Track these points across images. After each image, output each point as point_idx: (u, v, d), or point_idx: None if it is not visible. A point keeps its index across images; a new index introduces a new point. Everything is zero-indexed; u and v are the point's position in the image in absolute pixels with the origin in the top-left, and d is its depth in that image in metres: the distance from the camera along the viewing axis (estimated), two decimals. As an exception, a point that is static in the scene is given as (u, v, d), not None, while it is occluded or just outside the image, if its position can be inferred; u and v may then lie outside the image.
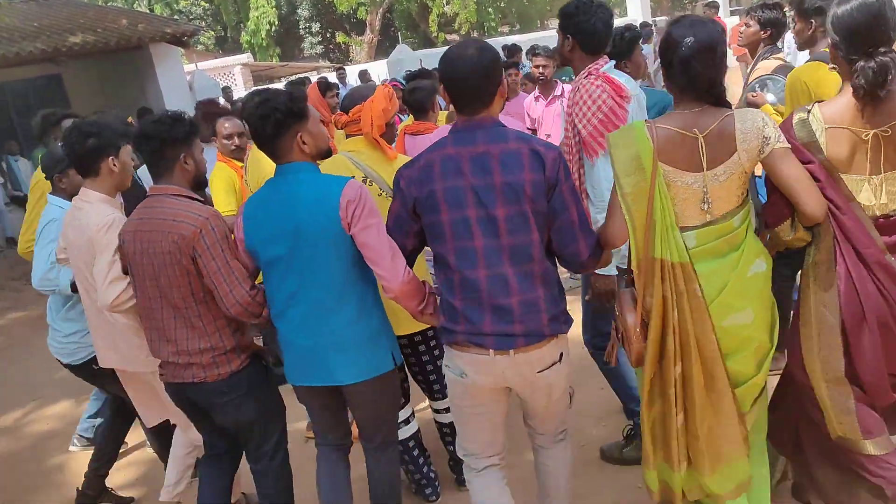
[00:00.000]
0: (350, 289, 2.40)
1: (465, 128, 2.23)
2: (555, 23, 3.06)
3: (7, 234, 10.84)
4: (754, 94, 3.63)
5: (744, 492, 2.33)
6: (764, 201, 2.44)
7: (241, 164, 4.24)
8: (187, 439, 3.17)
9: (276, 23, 27.71)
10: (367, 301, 2.45)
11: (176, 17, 24.98)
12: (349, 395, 2.53)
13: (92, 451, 3.63)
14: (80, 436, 4.30)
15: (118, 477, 3.87)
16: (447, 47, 2.37)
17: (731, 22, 14.99)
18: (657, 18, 17.80)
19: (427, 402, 3.45)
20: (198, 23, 27.49)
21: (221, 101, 13.35)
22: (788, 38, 6.02)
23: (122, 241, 2.60)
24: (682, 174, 2.17)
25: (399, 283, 2.33)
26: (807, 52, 3.51)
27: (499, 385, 2.33)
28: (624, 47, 3.60)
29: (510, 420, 2.54)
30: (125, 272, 2.66)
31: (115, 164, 2.86)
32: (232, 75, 21.56)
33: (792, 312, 2.49)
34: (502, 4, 28.08)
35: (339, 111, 3.08)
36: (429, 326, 2.90)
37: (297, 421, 3.78)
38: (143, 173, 4.26)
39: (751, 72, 3.89)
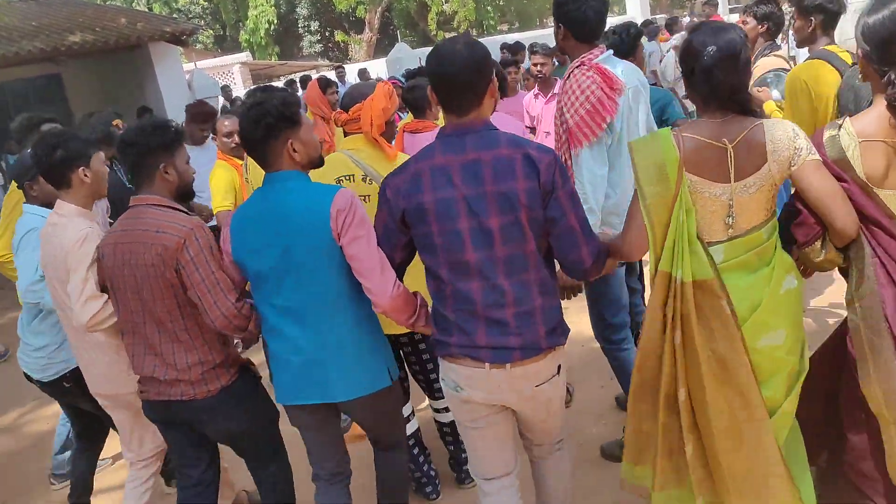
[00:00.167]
0: (343, 302, 2.31)
1: (454, 132, 2.12)
2: (554, 21, 3.10)
3: (6, 234, 10.79)
4: (760, 89, 3.62)
5: None
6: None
7: (241, 161, 4.25)
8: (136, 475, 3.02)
9: (275, 21, 27.77)
10: (360, 314, 2.36)
11: (175, 15, 25.05)
12: (347, 410, 2.49)
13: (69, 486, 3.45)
14: (55, 474, 4.01)
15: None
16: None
17: (730, 19, 14.99)
18: (657, 16, 17.82)
19: (427, 402, 3.45)
20: (197, 21, 27.52)
21: (220, 100, 13.44)
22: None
23: (101, 255, 2.51)
24: (710, 185, 2.08)
25: (388, 298, 2.24)
26: (806, 49, 3.50)
27: (493, 401, 2.23)
28: (630, 44, 3.68)
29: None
30: (102, 289, 2.57)
31: (86, 175, 2.75)
32: (231, 74, 21.56)
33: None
34: (501, 3, 28.10)
35: (338, 109, 3.08)
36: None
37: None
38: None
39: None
